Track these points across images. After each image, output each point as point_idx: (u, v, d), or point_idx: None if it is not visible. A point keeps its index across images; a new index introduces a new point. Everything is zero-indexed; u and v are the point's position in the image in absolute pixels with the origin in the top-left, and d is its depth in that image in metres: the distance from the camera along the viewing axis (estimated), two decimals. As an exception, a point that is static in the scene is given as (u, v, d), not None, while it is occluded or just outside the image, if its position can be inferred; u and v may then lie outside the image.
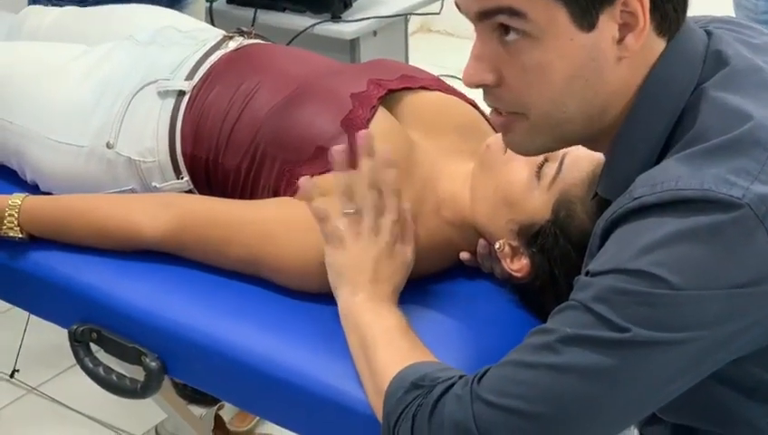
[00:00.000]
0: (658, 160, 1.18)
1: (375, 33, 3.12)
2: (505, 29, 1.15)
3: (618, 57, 1.16)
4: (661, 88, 1.18)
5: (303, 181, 1.46)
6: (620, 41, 1.15)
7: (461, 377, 1.22)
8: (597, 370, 1.11)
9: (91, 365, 1.60)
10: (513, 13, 1.13)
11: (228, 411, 2.83)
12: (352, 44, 3.09)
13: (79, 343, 1.60)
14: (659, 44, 1.19)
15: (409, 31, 3.36)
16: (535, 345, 1.16)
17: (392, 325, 1.38)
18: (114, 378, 1.59)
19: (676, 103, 1.18)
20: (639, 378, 1.12)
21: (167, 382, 1.68)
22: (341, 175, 1.46)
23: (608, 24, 1.14)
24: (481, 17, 1.16)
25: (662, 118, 1.18)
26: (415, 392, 1.23)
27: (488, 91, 1.20)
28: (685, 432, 1.31)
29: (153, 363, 1.53)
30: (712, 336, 1.11)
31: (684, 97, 1.18)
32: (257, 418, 2.82)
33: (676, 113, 1.18)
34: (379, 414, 1.29)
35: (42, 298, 1.66)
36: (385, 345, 1.34)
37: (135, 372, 1.58)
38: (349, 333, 1.40)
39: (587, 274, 1.15)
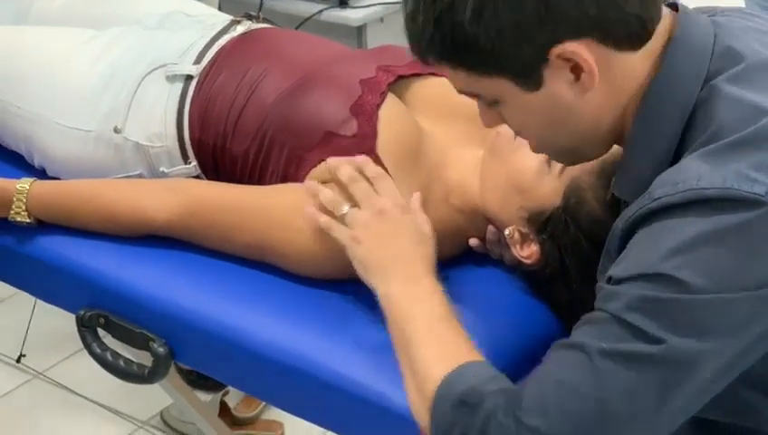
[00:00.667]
0: (675, 158, 1.18)
1: (382, 19, 3.11)
2: (478, 97, 1.22)
3: (581, 93, 1.17)
4: (668, 85, 1.18)
5: (307, 186, 1.45)
6: (577, 80, 1.16)
7: (503, 392, 1.20)
8: (638, 388, 1.11)
9: (98, 350, 1.60)
10: (471, 94, 1.21)
11: (233, 397, 2.84)
12: (359, 31, 3.08)
13: (86, 329, 1.60)
14: (634, 57, 1.17)
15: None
16: (573, 364, 1.14)
17: (431, 313, 1.34)
18: (122, 363, 1.59)
19: (686, 99, 1.18)
20: (680, 387, 1.11)
21: (172, 368, 1.67)
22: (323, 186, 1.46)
23: (555, 76, 1.16)
24: (457, 91, 1.24)
25: (673, 115, 1.18)
26: (462, 410, 1.20)
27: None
28: (704, 424, 1.31)
29: (161, 349, 1.52)
30: (745, 336, 1.11)
31: (694, 92, 1.17)
32: (263, 404, 2.83)
33: (688, 109, 1.17)
34: (421, 415, 1.27)
35: (49, 283, 1.66)
36: (425, 340, 1.31)
37: (142, 358, 1.58)
38: (389, 329, 1.36)
39: (610, 280, 1.15)
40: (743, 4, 2.58)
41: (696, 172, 1.11)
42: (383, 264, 1.40)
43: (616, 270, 1.15)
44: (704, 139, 1.15)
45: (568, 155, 1.27)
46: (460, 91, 1.23)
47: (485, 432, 1.17)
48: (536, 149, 1.26)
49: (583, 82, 1.16)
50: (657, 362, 1.10)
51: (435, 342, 1.31)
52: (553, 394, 1.14)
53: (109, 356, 1.60)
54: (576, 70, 1.15)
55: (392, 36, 3.09)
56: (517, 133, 1.25)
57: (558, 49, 1.13)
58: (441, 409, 1.23)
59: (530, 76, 1.15)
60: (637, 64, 1.18)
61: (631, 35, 1.16)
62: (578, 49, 1.13)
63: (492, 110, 1.23)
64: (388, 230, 1.43)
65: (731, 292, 1.09)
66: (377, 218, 1.44)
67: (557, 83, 1.16)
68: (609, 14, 1.13)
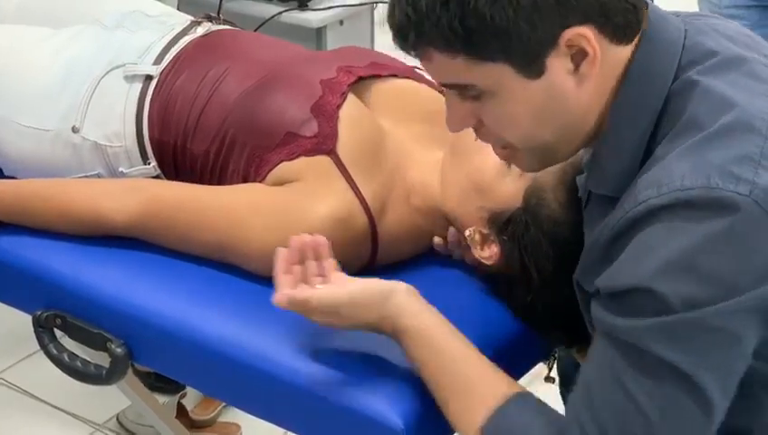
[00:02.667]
0: (647, 149, 1.19)
1: (341, 22, 3.11)
2: (465, 89, 1.20)
3: (578, 83, 1.18)
4: (641, 78, 1.19)
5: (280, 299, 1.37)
6: (576, 69, 1.17)
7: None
8: (682, 414, 1.14)
9: (55, 351, 1.59)
10: (462, 86, 1.19)
11: (191, 400, 2.82)
12: (318, 33, 3.08)
13: (43, 329, 1.58)
14: (622, 50, 1.19)
15: (375, 21, 3.35)
16: (616, 411, 1.16)
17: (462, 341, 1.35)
18: (79, 364, 1.58)
19: (658, 92, 1.19)
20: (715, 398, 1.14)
21: (130, 370, 1.66)
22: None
23: (557, 63, 1.16)
24: (440, 85, 1.22)
25: (646, 108, 1.19)
26: None
27: (475, 131, 1.25)
28: None
29: (119, 350, 1.51)
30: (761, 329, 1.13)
31: (665, 85, 1.19)
32: (220, 406, 2.81)
33: (660, 102, 1.19)
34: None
35: (5, 283, 1.64)
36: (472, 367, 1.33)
37: (100, 359, 1.57)
38: (421, 358, 1.35)
39: (598, 292, 1.17)
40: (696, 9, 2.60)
41: (679, 172, 1.12)
42: (368, 322, 1.36)
43: (606, 281, 1.16)
44: (676, 129, 1.16)
45: (543, 155, 1.25)
46: (443, 84, 1.22)
47: None
48: (518, 143, 1.23)
49: (582, 71, 1.16)
50: (693, 382, 1.12)
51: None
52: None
53: (66, 357, 1.58)
54: (577, 58, 1.16)
55: (351, 38, 3.11)
56: (496, 130, 1.23)
57: (569, 33, 1.14)
58: None
59: (533, 62, 1.15)
60: (620, 59, 1.19)
61: (627, 26, 1.17)
62: (587, 33, 1.14)
63: (469, 105, 1.21)
64: (346, 297, 1.36)
65: (736, 295, 1.10)
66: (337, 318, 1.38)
67: (558, 72, 1.16)
68: (613, 1, 1.15)
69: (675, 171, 1.12)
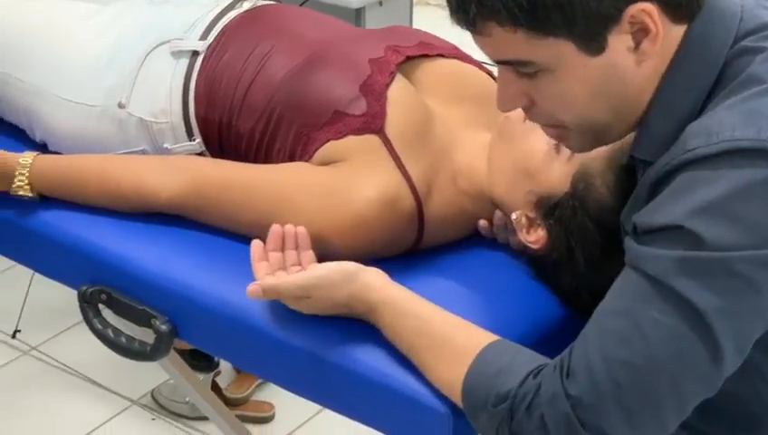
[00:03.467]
0: (699, 115, 1.19)
1: (381, 2, 3.09)
2: (523, 65, 1.19)
3: (637, 62, 1.18)
4: (697, 46, 1.19)
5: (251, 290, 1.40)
6: (636, 47, 1.17)
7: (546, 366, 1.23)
8: (689, 348, 1.14)
9: (99, 327, 1.59)
10: (520, 63, 1.18)
11: (225, 378, 2.84)
12: (358, 13, 3.06)
13: (88, 304, 1.58)
14: (680, 29, 1.19)
15: (414, 1, 3.35)
16: (620, 335, 1.16)
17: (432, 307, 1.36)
18: (123, 340, 1.58)
19: (714, 60, 1.19)
20: (725, 346, 1.14)
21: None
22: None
23: (619, 40, 1.16)
24: (496, 62, 1.21)
25: (702, 73, 1.19)
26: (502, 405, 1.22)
27: (525, 111, 1.25)
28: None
29: (163, 326, 1.52)
30: None
31: (722, 53, 1.19)
32: (254, 385, 2.83)
33: (716, 70, 1.19)
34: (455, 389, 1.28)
35: (51, 258, 1.64)
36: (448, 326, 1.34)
37: (144, 335, 1.57)
38: (395, 329, 1.36)
39: (635, 228, 1.17)
40: None
41: (730, 123, 1.12)
42: (338, 304, 1.39)
43: (643, 218, 1.16)
44: (731, 87, 1.16)
45: (594, 135, 1.25)
46: (499, 61, 1.21)
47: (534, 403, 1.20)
48: (572, 122, 1.23)
49: (643, 49, 1.16)
50: (705, 322, 1.12)
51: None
52: (601, 365, 1.16)
53: (110, 333, 1.58)
54: (638, 36, 1.15)
55: (390, 18, 3.09)
56: (550, 109, 1.22)
57: (633, 9, 1.13)
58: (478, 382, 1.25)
59: (595, 38, 1.15)
60: (676, 38, 1.19)
61: (688, 5, 1.17)
62: (651, 10, 1.14)
63: (523, 83, 1.21)
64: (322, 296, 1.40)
65: (763, 247, 1.10)
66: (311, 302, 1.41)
67: (618, 49, 1.16)
68: None
69: (725, 122, 1.13)
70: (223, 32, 1.74)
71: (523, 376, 1.22)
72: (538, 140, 1.46)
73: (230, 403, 2.74)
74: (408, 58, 1.64)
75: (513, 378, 1.22)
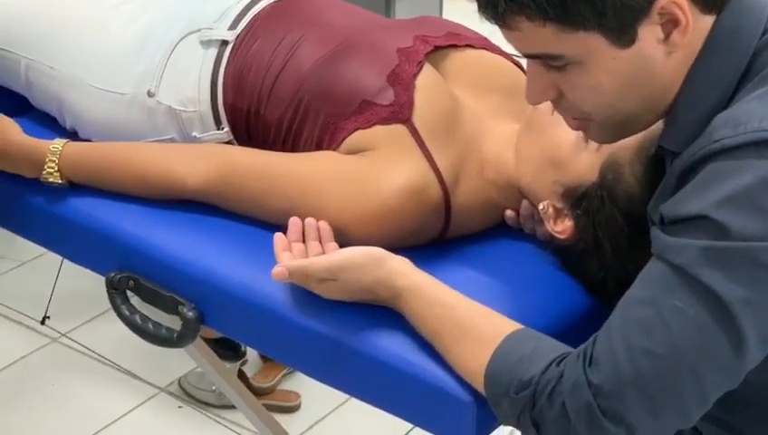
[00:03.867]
0: (728, 106, 1.18)
1: (410, -8, 3.10)
2: (552, 59, 1.19)
3: (667, 53, 1.18)
4: (727, 37, 1.19)
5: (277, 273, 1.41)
6: (666, 39, 1.17)
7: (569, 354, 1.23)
8: (711, 339, 1.14)
9: (127, 313, 1.60)
10: (550, 57, 1.19)
11: (251, 367, 2.85)
12: (387, 3, 3.07)
13: (116, 291, 1.59)
14: (709, 19, 1.19)
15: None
16: (643, 323, 1.16)
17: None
18: (150, 326, 1.59)
19: (743, 50, 1.19)
20: (748, 336, 1.13)
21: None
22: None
23: (649, 32, 1.16)
24: (525, 56, 1.22)
25: (729, 66, 1.19)
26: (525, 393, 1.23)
27: (553, 103, 1.26)
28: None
29: (190, 313, 1.52)
30: None
31: (751, 44, 1.19)
32: (280, 374, 2.84)
33: (745, 60, 1.19)
34: (478, 376, 1.29)
35: (80, 245, 1.65)
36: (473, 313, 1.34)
37: (171, 321, 1.58)
38: (422, 315, 1.37)
39: (662, 218, 1.17)
40: None
41: (757, 114, 1.12)
42: (365, 289, 1.40)
43: (670, 208, 1.16)
44: (760, 76, 1.16)
45: (620, 127, 1.25)
46: (528, 55, 1.21)
47: (556, 390, 1.20)
48: (599, 115, 1.23)
49: (673, 40, 1.17)
50: (729, 313, 1.12)
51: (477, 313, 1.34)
52: (624, 354, 1.16)
53: (138, 319, 1.59)
54: (668, 27, 1.16)
55: (420, 8, 3.09)
56: (579, 102, 1.23)
57: (663, 0, 1.13)
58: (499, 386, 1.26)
59: (625, 31, 1.15)
60: (705, 28, 1.19)
61: None
62: (681, 1, 1.14)
63: (552, 77, 1.21)
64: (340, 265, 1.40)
65: None
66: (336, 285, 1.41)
67: (648, 41, 1.16)
68: None
69: (753, 113, 1.13)
70: (252, 22, 1.74)
71: (547, 364, 1.22)
72: (566, 131, 1.45)
73: (256, 392, 2.75)
74: (437, 48, 1.64)
75: (536, 365, 1.23)
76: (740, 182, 1.11)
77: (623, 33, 1.15)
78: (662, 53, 1.18)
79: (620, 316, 1.19)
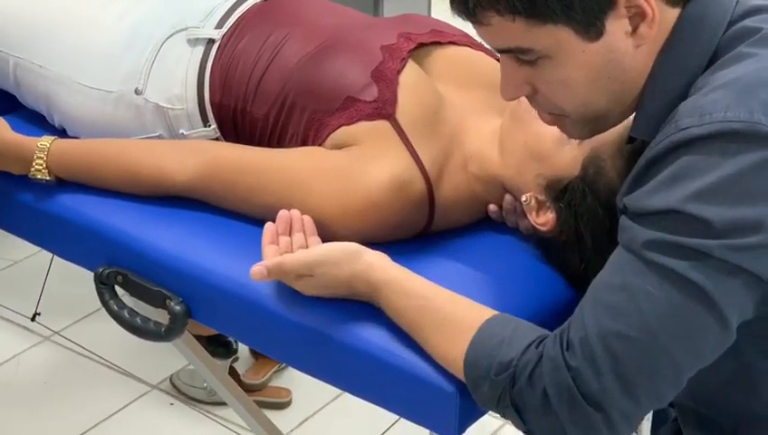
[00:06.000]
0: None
1: (398, -9, 3.11)
2: (523, 53, 1.21)
3: (635, 45, 1.20)
4: (692, 28, 1.21)
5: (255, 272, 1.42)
6: (634, 32, 1.19)
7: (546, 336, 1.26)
8: (686, 325, 1.17)
9: (115, 308, 1.61)
10: (520, 50, 1.21)
11: (243, 364, 2.86)
12: (375, 2, 3.09)
13: (104, 286, 1.61)
14: (675, 11, 1.21)
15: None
16: (615, 310, 1.19)
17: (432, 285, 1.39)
18: (139, 321, 1.60)
19: (709, 39, 1.21)
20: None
21: (188, 332, 1.70)
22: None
23: (616, 24, 1.18)
24: (497, 50, 1.24)
25: (694, 55, 1.21)
26: (504, 374, 1.25)
27: (528, 99, 1.28)
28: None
29: (177, 307, 1.54)
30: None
31: (717, 33, 1.21)
32: (272, 371, 2.85)
33: (711, 49, 1.21)
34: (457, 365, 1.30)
35: (68, 240, 1.67)
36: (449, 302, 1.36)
37: (159, 316, 1.60)
38: (398, 305, 1.38)
39: (625, 209, 1.20)
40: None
41: (723, 103, 1.14)
42: (340, 284, 1.41)
43: (638, 200, 1.19)
44: (722, 61, 1.18)
45: (594, 122, 1.27)
46: (500, 50, 1.24)
47: (535, 372, 1.22)
48: (573, 109, 1.25)
49: (640, 33, 1.19)
50: (696, 294, 1.15)
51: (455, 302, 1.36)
52: (597, 338, 1.18)
53: (126, 314, 1.61)
54: (635, 20, 1.18)
55: (408, 8, 3.10)
56: (552, 96, 1.25)
57: None
58: (478, 370, 1.27)
59: (593, 24, 1.17)
60: (671, 19, 1.21)
61: None
62: None
63: (524, 71, 1.23)
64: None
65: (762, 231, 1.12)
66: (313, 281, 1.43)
67: (616, 33, 1.18)
68: None
69: (719, 102, 1.14)
70: (239, 20, 1.76)
71: (525, 346, 1.25)
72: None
73: (248, 389, 2.76)
74: (421, 45, 1.66)
75: (514, 348, 1.25)
76: (708, 177, 1.13)
77: (591, 27, 1.17)
78: (630, 46, 1.20)
79: (591, 301, 1.22)
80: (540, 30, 1.18)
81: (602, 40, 1.18)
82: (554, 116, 1.29)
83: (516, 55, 1.22)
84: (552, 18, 1.17)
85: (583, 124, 1.28)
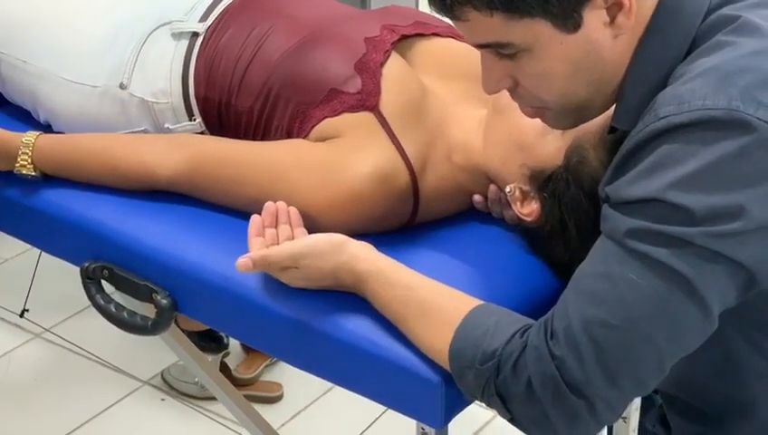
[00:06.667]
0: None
1: (386, -15, 3.11)
2: (502, 47, 1.22)
3: (613, 36, 1.21)
4: (669, 18, 1.21)
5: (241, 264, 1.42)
6: (612, 22, 1.19)
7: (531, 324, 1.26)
8: (667, 308, 1.17)
9: (102, 302, 1.62)
10: (499, 45, 1.21)
11: (234, 359, 2.87)
12: (363, -7, 3.09)
13: (91, 280, 1.61)
14: (652, 2, 1.21)
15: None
16: (597, 298, 1.19)
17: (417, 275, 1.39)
18: (125, 315, 1.61)
19: (687, 29, 1.21)
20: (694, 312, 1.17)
21: (177, 329, 1.70)
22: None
23: (594, 15, 1.18)
24: (476, 46, 1.24)
25: (673, 44, 1.22)
26: (489, 364, 1.25)
27: (510, 92, 1.28)
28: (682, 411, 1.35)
29: (164, 301, 1.54)
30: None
31: (694, 23, 1.21)
32: (262, 365, 2.86)
33: (689, 38, 1.21)
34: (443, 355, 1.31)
35: (54, 236, 1.67)
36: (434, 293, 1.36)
37: (146, 310, 1.60)
38: (385, 296, 1.38)
39: (607, 198, 1.20)
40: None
41: (701, 92, 1.14)
42: (324, 276, 1.41)
43: (619, 188, 1.19)
44: (700, 49, 1.19)
45: (576, 113, 1.28)
46: (479, 45, 1.24)
47: (520, 359, 1.23)
48: (554, 101, 1.26)
49: (618, 23, 1.19)
50: (678, 282, 1.15)
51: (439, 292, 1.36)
52: (580, 327, 1.19)
53: (113, 308, 1.61)
54: (613, 10, 1.18)
55: (396, 2, 3.10)
56: (533, 89, 1.26)
57: None
58: (463, 360, 1.28)
59: (570, 16, 1.17)
60: (649, 8, 1.21)
61: None
62: None
63: (505, 65, 1.23)
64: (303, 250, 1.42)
65: (743, 217, 1.13)
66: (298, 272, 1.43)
67: (594, 25, 1.19)
68: None
69: (697, 90, 1.15)
70: (223, 14, 1.76)
71: (510, 335, 1.25)
72: (533, 115, 1.48)
73: (239, 384, 2.77)
74: (404, 37, 1.67)
75: (499, 337, 1.25)
76: (688, 166, 1.13)
77: (568, 19, 1.17)
78: (609, 37, 1.20)
79: (575, 290, 1.22)
80: (517, 24, 1.18)
81: (580, 32, 1.19)
82: (536, 109, 1.29)
83: (496, 50, 1.23)
84: (529, 12, 1.17)
85: (565, 115, 1.29)
